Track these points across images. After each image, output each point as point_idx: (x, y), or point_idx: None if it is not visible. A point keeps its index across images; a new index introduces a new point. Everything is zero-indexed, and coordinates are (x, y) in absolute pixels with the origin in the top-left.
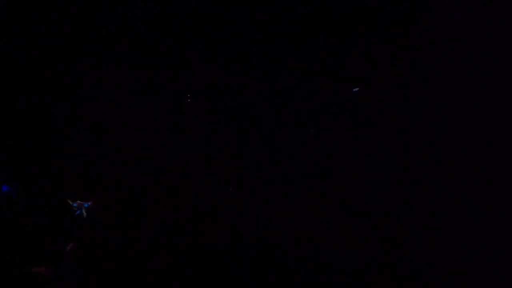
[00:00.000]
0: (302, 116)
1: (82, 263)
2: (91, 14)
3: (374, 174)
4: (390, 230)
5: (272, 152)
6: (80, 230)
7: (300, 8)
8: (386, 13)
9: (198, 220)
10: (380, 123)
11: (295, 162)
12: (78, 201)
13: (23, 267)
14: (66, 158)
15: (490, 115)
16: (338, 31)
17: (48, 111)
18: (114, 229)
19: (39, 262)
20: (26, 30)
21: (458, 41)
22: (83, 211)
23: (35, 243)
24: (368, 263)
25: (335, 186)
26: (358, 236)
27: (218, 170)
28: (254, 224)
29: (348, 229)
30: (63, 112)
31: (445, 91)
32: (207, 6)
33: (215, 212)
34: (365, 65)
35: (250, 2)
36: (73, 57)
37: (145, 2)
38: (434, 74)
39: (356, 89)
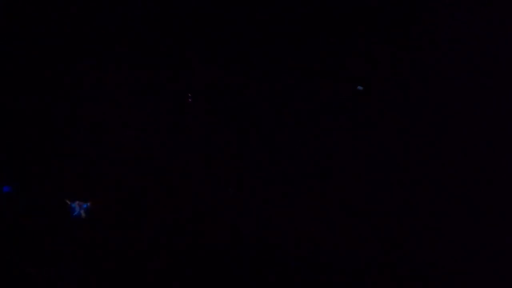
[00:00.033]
0: (302, 116)
1: (82, 263)
2: (91, 14)
3: (374, 174)
4: (390, 230)
5: (272, 152)
6: (80, 230)
7: (300, 8)
8: (386, 13)
9: (198, 220)
10: (380, 123)
11: (295, 162)
12: (77, 202)
13: (23, 267)
14: (66, 158)
15: (490, 115)
16: (338, 31)
17: (48, 111)
18: (114, 229)
19: (39, 262)
20: (26, 30)
21: (458, 41)
22: (82, 212)
23: (35, 243)
24: (368, 263)
25: (335, 186)
26: (358, 236)
27: (218, 170)
28: (254, 224)
29: (348, 229)
30: (63, 112)
31: (445, 91)
32: (207, 6)
33: (215, 212)
34: (365, 65)
35: (250, 2)
36: (73, 57)
37: (145, 2)
38: (434, 74)
39: (360, 87)
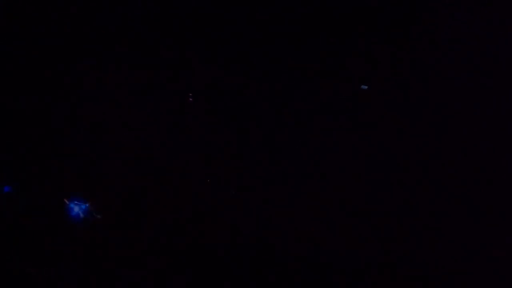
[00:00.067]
0: (302, 116)
1: (82, 263)
2: (91, 14)
3: (374, 174)
4: (390, 230)
5: (272, 152)
6: (80, 230)
7: (300, 8)
8: (386, 13)
9: (198, 220)
10: (380, 123)
11: (295, 162)
12: (76, 202)
13: (23, 267)
14: (66, 158)
15: (490, 115)
16: (338, 31)
17: (48, 111)
18: (114, 229)
19: (39, 262)
20: (26, 30)
21: (458, 41)
22: (81, 212)
23: (35, 243)
24: (368, 263)
25: (335, 186)
26: (358, 236)
27: (218, 170)
28: (254, 224)
29: (348, 229)
30: (63, 112)
31: (445, 91)
32: (207, 6)
33: (215, 212)
34: (365, 65)
35: (250, 2)
36: (73, 57)
37: (145, 2)
38: (434, 74)
39: (365, 87)
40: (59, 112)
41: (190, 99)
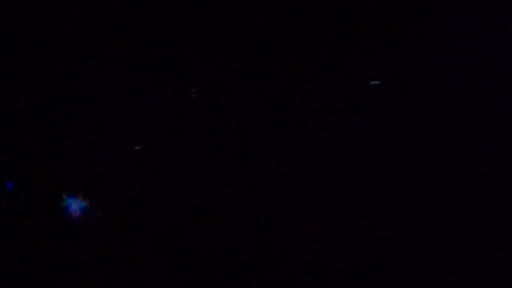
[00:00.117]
0: (302, 116)
1: (82, 263)
2: (91, 14)
3: (374, 174)
4: (390, 230)
5: (272, 152)
6: (80, 230)
7: (300, 8)
8: (386, 13)
9: (198, 220)
10: (380, 123)
11: (295, 162)
12: (73, 200)
13: (23, 267)
14: (66, 158)
15: (490, 115)
16: (338, 31)
17: (48, 111)
18: (114, 229)
19: (39, 262)
20: (26, 30)
21: (458, 41)
22: (78, 211)
23: (35, 243)
24: (368, 263)
25: (335, 186)
26: (358, 236)
27: (218, 170)
28: (254, 224)
29: (348, 229)
30: (63, 112)
31: (445, 91)
32: (207, 6)
33: (215, 212)
34: (365, 65)
35: (250, 2)
36: (73, 57)
37: (145, 2)
38: (434, 74)
39: (375, 82)
40: (59, 112)
41: (193, 95)
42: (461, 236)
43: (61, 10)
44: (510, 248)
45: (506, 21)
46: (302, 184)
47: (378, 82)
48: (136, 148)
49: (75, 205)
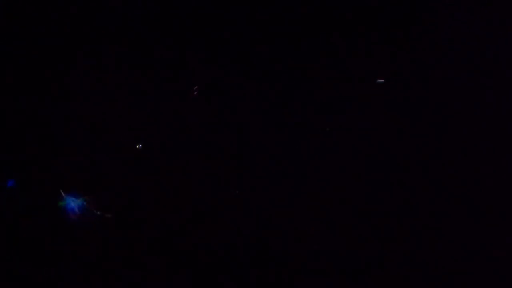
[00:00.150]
0: (302, 116)
1: (82, 263)
2: (91, 14)
3: (374, 174)
4: (390, 230)
5: (272, 152)
6: (80, 230)
7: (300, 8)
8: (386, 13)
9: (198, 220)
10: (380, 123)
11: (295, 162)
12: (73, 200)
13: (23, 267)
14: (66, 158)
15: (490, 115)
16: (338, 31)
17: (48, 111)
18: (114, 229)
19: (39, 262)
20: (26, 30)
21: (458, 41)
22: (77, 210)
23: (35, 243)
24: (368, 263)
25: (335, 186)
26: (358, 236)
27: (218, 170)
28: (254, 224)
29: (348, 229)
30: (63, 112)
31: (445, 91)
32: (207, 6)
33: (215, 212)
34: (365, 65)
35: (250, 2)
36: (73, 57)
37: (145, 2)
38: (434, 74)
39: (381, 80)
40: (59, 112)
41: (195, 93)
42: (461, 236)
43: (61, 10)
44: (510, 248)
45: (506, 21)
46: (302, 184)
47: (383, 80)
48: (138, 146)
49: (75, 205)
